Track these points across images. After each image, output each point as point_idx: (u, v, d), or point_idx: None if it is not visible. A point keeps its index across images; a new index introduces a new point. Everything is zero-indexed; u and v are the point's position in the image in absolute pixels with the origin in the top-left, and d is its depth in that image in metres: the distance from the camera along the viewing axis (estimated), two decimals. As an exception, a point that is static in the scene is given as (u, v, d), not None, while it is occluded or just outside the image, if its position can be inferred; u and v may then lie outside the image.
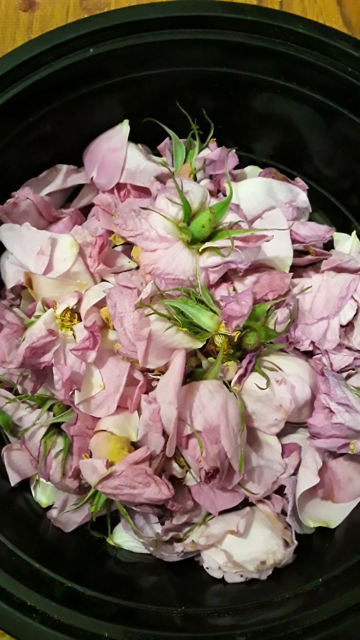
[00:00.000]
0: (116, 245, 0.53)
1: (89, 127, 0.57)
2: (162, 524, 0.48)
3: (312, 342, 0.51)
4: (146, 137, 0.58)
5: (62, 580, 0.44)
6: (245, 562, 0.46)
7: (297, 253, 0.54)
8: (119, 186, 0.56)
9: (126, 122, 0.57)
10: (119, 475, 0.43)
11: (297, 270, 0.55)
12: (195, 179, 0.56)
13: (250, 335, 0.48)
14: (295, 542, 0.47)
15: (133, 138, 0.57)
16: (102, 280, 0.52)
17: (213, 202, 0.50)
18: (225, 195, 0.54)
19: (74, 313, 0.49)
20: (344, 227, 0.60)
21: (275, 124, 0.59)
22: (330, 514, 0.49)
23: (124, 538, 0.51)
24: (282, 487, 0.48)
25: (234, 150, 0.57)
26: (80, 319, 0.49)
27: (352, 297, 0.51)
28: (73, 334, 0.48)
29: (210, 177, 0.58)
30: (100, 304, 0.49)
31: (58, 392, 0.47)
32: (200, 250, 0.48)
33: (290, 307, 0.50)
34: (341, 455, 0.50)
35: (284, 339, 0.51)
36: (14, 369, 0.49)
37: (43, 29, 0.71)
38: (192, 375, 0.48)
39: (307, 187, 0.60)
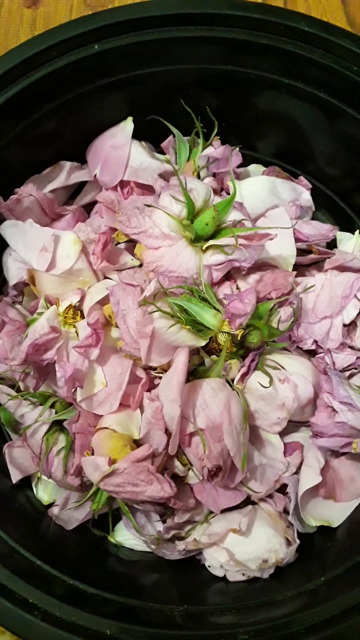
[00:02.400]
0: (119, 243, 0.53)
1: (93, 124, 0.57)
2: (164, 522, 0.48)
3: (315, 341, 0.51)
4: (150, 135, 0.58)
5: (64, 578, 0.44)
6: (247, 561, 0.46)
7: (301, 252, 0.54)
8: (123, 183, 0.56)
9: (130, 119, 0.57)
10: (121, 472, 0.43)
11: (300, 269, 0.55)
12: (198, 176, 0.56)
13: (254, 333, 0.47)
14: (297, 541, 0.47)
15: (137, 135, 0.57)
16: (105, 277, 0.51)
17: (217, 200, 0.50)
18: (228, 194, 0.54)
19: (76, 310, 0.49)
20: (347, 226, 0.60)
21: (279, 123, 0.59)
22: (332, 513, 0.49)
23: (125, 536, 0.51)
24: (284, 486, 0.48)
25: (238, 149, 0.57)
26: (83, 316, 0.49)
27: (355, 296, 0.51)
28: (76, 331, 0.48)
29: (214, 175, 0.58)
30: (103, 302, 0.49)
31: (60, 389, 0.47)
32: (203, 248, 0.48)
33: (293, 305, 0.50)
34: (343, 454, 0.50)
35: (287, 337, 0.51)
36: (17, 366, 0.49)
37: (47, 25, 0.72)
38: (194, 373, 0.48)
39: (310, 186, 0.60)
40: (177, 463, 0.47)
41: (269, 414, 0.47)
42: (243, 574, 0.48)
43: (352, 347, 0.52)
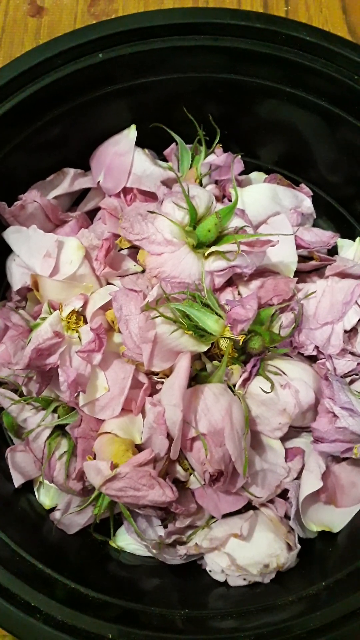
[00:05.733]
0: (122, 249, 0.54)
1: (97, 131, 0.58)
2: (165, 526, 0.48)
3: (316, 347, 0.52)
4: (153, 142, 0.59)
5: (66, 581, 0.44)
6: (249, 566, 0.47)
7: (302, 258, 0.55)
8: (126, 190, 0.56)
9: (133, 127, 0.57)
10: (123, 477, 0.43)
11: (301, 275, 0.55)
12: (201, 184, 0.57)
13: (255, 339, 0.48)
14: (298, 546, 0.48)
15: (140, 143, 0.57)
16: (108, 283, 0.52)
17: (219, 207, 0.50)
18: (230, 201, 0.55)
19: (79, 315, 0.49)
20: (348, 233, 0.60)
21: (281, 131, 0.59)
22: (333, 519, 0.49)
23: (126, 541, 0.51)
24: (286, 491, 0.48)
25: (240, 156, 0.57)
26: (86, 322, 0.49)
27: (356, 302, 0.52)
28: (79, 336, 0.48)
29: (216, 182, 0.58)
30: (106, 307, 0.49)
31: (63, 393, 0.47)
32: (206, 254, 0.48)
33: (294, 311, 0.50)
34: (344, 459, 0.50)
35: (288, 343, 0.51)
36: (20, 371, 0.50)
37: (51, 34, 0.72)
38: (196, 379, 0.49)
39: (311, 194, 0.60)
40: (178, 468, 0.47)
41: (270, 419, 0.48)
42: (244, 579, 0.48)
43: (352, 353, 0.52)
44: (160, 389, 0.47)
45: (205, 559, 0.49)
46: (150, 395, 0.48)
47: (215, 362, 0.48)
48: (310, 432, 0.49)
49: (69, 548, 0.50)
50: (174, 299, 0.46)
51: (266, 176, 0.62)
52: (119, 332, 0.47)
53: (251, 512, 0.49)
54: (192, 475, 0.47)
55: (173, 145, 0.59)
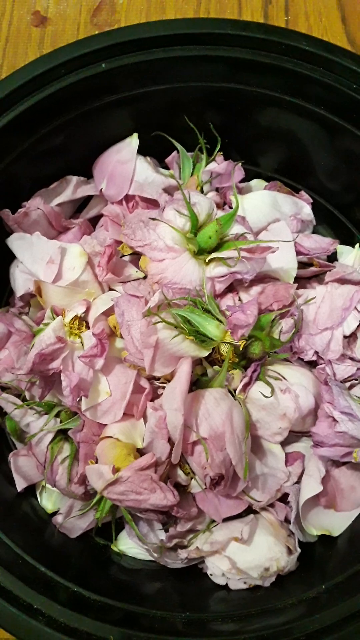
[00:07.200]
0: (124, 255, 0.54)
1: (99, 139, 0.58)
2: (167, 530, 0.49)
3: (316, 352, 0.52)
4: (154, 150, 0.59)
5: (68, 585, 0.44)
6: (249, 569, 0.47)
7: (301, 265, 0.55)
8: (128, 198, 0.57)
9: (135, 135, 0.58)
10: (125, 481, 0.43)
11: (301, 281, 0.55)
12: (202, 191, 0.57)
13: (255, 344, 0.48)
14: (298, 550, 0.48)
15: (142, 151, 0.58)
16: (110, 289, 0.52)
17: (219, 214, 0.51)
18: (231, 208, 0.55)
19: (82, 321, 0.50)
20: (348, 240, 0.60)
21: (281, 139, 0.60)
22: (332, 522, 0.49)
23: (128, 545, 0.51)
24: (286, 495, 0.48)
25: (240, 164, 0.58)
26: (88, 327, 0.50)
27: (355, 308, 0.52)
28: (81, 342, 0.49)
29: (217, 189, 0.59)
30: (108, 312, 0.50)
31: (66, 398, 0.47)
32: (206, 260, 0.48)
33: (294, 317, 0.51)
34: (344, 464, 0.50)
35: (288, 348, 0.52)
36: (23, 375, 0.50)
37: (54, 44, 0.73)
38: (197, 384, 0.49)
39: (311, 201, 0.61)
40: (179, 472, 0.47)
41: (271, 423, 0.48)
42: (245, 582, 0.48)
43: (352, 359, 0.52)
44: (162, 393, 0.48)
45: (206, 562, 0.49)
46: (152, 399, 0.48)
47: (216, 367, 0.49)
48: (310, 436, 0.49)
49: (71, 552, 0.50)
50: (176, 305, 0.47)
51: (266, 183, 0.62)
52: (121, 337, 0.48)
53: (252, 516, 0.49)
54: (193, 479, 0.48)
55: (174, 153, 0.59)
